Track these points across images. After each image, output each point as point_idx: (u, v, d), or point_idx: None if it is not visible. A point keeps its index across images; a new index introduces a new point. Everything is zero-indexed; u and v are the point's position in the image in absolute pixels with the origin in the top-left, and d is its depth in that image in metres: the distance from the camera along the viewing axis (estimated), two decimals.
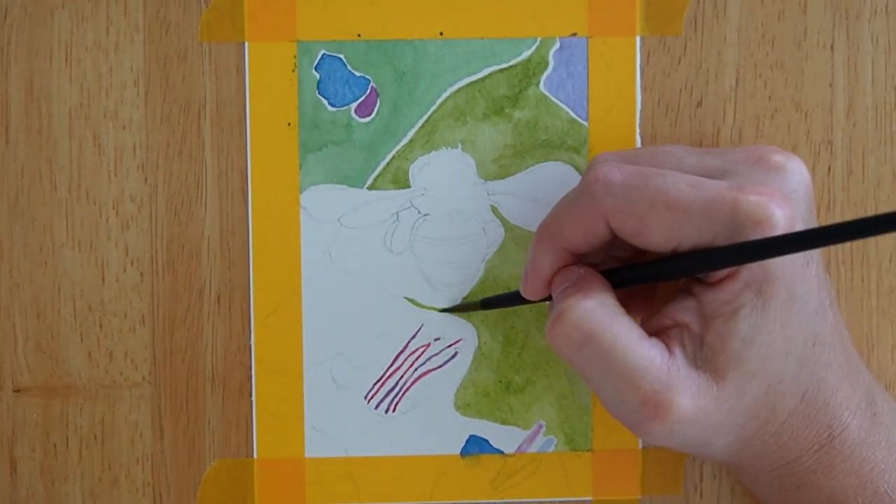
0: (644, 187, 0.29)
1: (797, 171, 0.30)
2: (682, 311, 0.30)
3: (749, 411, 0.30)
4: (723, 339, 0.29)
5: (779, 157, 0.30)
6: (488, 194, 0.35)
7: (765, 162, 0.30)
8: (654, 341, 0.29)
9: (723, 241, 0.28)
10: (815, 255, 0.30)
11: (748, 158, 0.30)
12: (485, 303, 0.34)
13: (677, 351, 0.29)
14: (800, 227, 0.28)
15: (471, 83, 0.35)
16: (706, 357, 0.29)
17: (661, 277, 0.30)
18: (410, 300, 0.36)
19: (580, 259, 0.31)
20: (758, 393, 0.29)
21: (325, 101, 0.35)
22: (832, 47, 0.36)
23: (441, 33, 0.35)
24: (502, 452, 0.36)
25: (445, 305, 0.36)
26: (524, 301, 0.32)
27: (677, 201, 0.28)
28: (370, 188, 0.35)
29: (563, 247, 0.30)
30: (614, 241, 0.30)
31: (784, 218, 0.28)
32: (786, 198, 0.28)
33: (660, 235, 0.29)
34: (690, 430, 0.29)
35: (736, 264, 0.28)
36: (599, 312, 0.29)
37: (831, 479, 0.30)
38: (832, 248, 0.36)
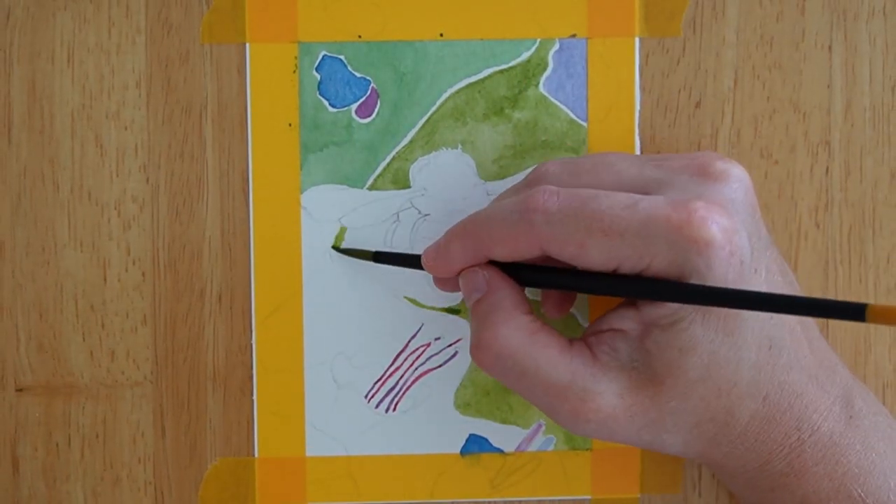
0: (581, 214, 0.29)
1: (737, 178, 0.29)
2: (621, 319, 0.30)
3: (700, 413, 0.30)
4: (660, 347, 0.29)
5: (719, 164, 0.30)
6: (488, 195, 0.36)
7: (703, 171, 0.30)
8: (577, 350, 0.30)
9: (663, 262, 0.28)
10: (766, 257, 0.30)
11: (687, 168, 0.30)
12: (376, 255, 0.34)
13: (604, 356, 0.30)
14: (739, 239, 0.28)
15: (471, 84, 0.35)
16: (643, 360, 0.30)
17: (584, 290, 0.31)
18: (411, 300, 0.36)
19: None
20: (707, 396, 0.29)
21: (325, 102, 0.35)
22: (830, 48, 0.36)
23: (441, 34, 0.35)
24: (502, 451, 0.36)
25: (446, 305, 0.36)
26: (417, 266, 0.33)
27: (613, 227, 0.28)
28: (371, 188, 0.36)
29: (484, 254, 0.31)
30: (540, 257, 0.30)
31: (721, 232, 0.28)
32: (724, 209, 0.28)
33: (598, 259, 0.29)
34: (629, 426, 0.30)
35: (669, 301, 0.28)
36: (516, 338, 0.30)
37: (804, 482, 0.30)
38: (830, 247, 0.36)
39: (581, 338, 0.31)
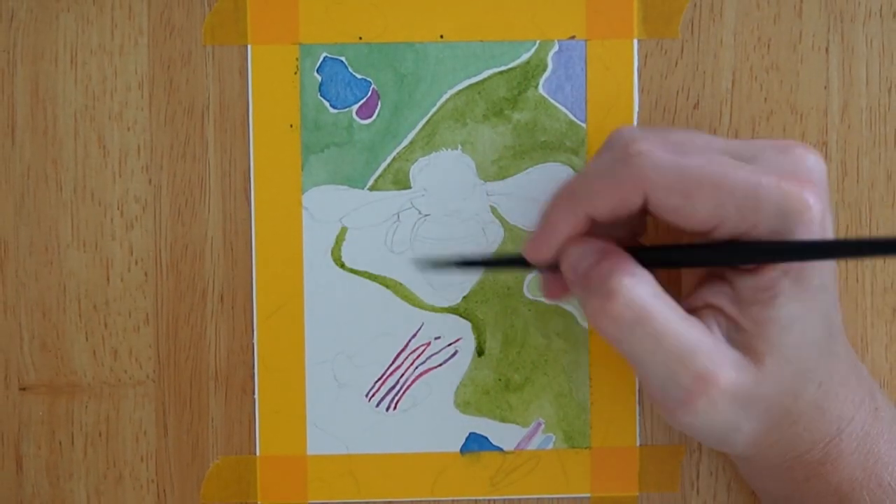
0: (691, 165, 0.28)
1: (818, 162, 0.30)
2: (715, 295, 0.30)
3: (776, 396, 0.30)
4: (761, 325, 0.29)
5: (800, 149, 0.30)
6: (488, 195, 0.36)
7: (789, 151, 0.30)
8: (695, 320, 0.30)
9: (763, 228, 0.28)
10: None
11: (773, 146, 0.30)
12: (461, 262, 0.34)
13: (715, 330, 0.30)
14: (829, 220, 0.29)
15: (470, 85, 0.36)
16: (743, 340, 0.29)
17: (695, 263, 0.31)
18: (411, 300, 0.36)
19: (592, 231, 0.31)
20: (786, 378, 0.29)
21: (326, 104, 0.36)
22: (827, 50, 0.36)
23: (441, 36, 0.36)
24: (502, 450, 0.36)
25: (446, 305, 0.36)
26: (506, 266, 0.32)
27: (724, 182, 0.28)
28: (371, 189, 0.36)
29: (586, 212, 0.30)
30: (636, 215, 0.30)
31: (819, 210, 0.28)
32: (818, 188, 0.29)
33: (702, 214, 0.28)
34: (729, 408, 0.29)
35: (775, 261, 0.29)
36: (648, 293, 0.29)
37: (839, 470, 0.31)
38: None
39: None
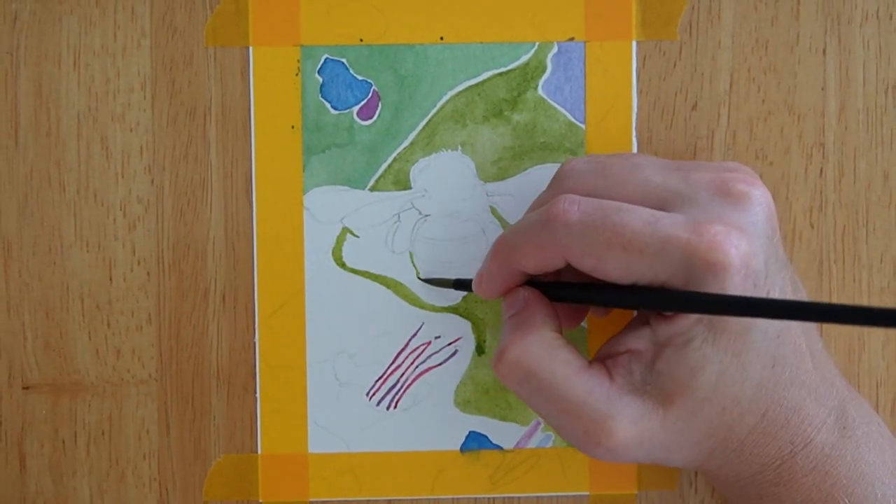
0: (601, 226, 0.29)
1: (759, 202, 0.30)
2: (636, 340, 0.31)
3: (703, 430, 0.30)
4: (671, 367, 0.29)
5: (741, 186, 0.30)
6: (487, 195, 0.36)
7: (726, 191, 0.30)
8: (595, 370, 0.30)
9: (678, 281, 0.28)
10: (781, 279, 0.30)
11: (711, 184, 0.30)
12: (457, 283, 0.35)
13: (620, 378, 0.30)
14: (756, 264, 0.28)
15: (470, 87, 0.36)
16: (655, 382, 0.30)
17: (608, 304, 0.31)
18: (411, 300, 0.36)
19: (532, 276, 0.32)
20: (711, 415, 0.30)
21: (327, 105, 0.36)
22: (824, 52, 0.36)
23: (441, 38, 0.36)
24: (501, 448, 0.36)
25: (446, 305, 0.36)
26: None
27: (632, 242, 0.29)
28: (372, 189, 0.36)
29: (517, 268, 0.31)
30: (569, 267, 0.31)
31: (739, 257, 0.28)
32: (742, 233, 0.28)
33: (616, 273, 0.29)
34: (637, 450, 0.30)
35: (682, 311, 0.29)
36: (538, 350, 0.30)
37: (793, 491, 0.31)
38: (824, 247, 0.36)
39: (597, 359, 0.31)
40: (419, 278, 0.36)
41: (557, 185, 0.32)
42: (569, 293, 0.32)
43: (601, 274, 0.30)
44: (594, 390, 0.30)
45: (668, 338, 0.30)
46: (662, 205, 0.30)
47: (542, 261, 0.31)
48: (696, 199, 0.30)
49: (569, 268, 0.31)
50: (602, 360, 0.31)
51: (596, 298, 0.31)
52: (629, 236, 0.29)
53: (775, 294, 0.30)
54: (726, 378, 0.29)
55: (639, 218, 0.29)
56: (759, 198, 0.30)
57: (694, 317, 0.29)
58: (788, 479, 0.31)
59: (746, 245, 0.28)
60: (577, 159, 0.33)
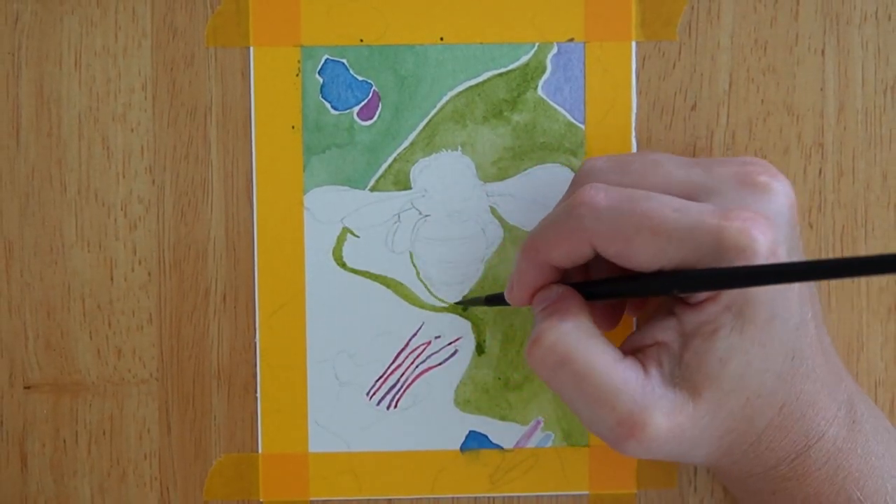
0: (629, 212, 0.29)
1: (782, 192, 0.30)
2: (663, 331, 0.30)
3: (726, 425, 0.30)
4: (700, 358, 0.29)
5: (764, 178, 0.30)
6: (487, 196, 0.36)
7: (750, 182, 0.30)
8: (630, 361, 0.30)
9: (705, 266, 0.28)
10: None
11: (734, 176, 0.30)
12: (488, 299, 0.35)
13: (653, 370, 0.30)
14: (781, 252, 0.29)
15: (470, 87, 0.36)
16: (683, 375, 0.30)
17: (640, 293, 0.31)
18: (411, 299, 0.36)
19: (564, 273, 0.32)
20: (735, 408, 0.30)
21: (328, 105, 0.36)
22: (823, 52, 0.36)
23: (441, 38, 0.36)
24: (501, 448, 0.37)
25: (446, 304, 0.36)
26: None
27: (661, 227, 0.28)
28: (372, 190, 0.36)
29: (547, 262, 0.31)
30: (598, 258, 0.31)
31: (766, 244, 0.28)
32: (769, 222, 0.29)
33: (644, 258, 0.29)
34: (666, 445, 0.30)
35: (714, 289, 0.29)
36: (574, 336, 0.30)
37: (806, 485, 0.31)
38: (823, 246, 0.37)
39: (625, 351, 0.31)
40: (454, 304, 0.36)
41: (579, 183, 0.32)
42: (599, 289, 0.31)
43: (628, 260, 0.29)
44: (630, 381, 0.29)
45: (696, 327, 0.29)
46: (687, 197, 0.30)
47: (570, 251, 0.30)
48: (721, 190, 0.30)
49: (597, 265, 0.31)
50: (632, 352, 0.31)
51: (625, 289, 0.31)
52: (658, 221, 0.29)
53: (795, 286, 0.30)
54: (751, 369, 0.29)
55: (667, 204, 0.29)
56: (782, 189, 0.30)
57: (721, 304, 0.29)
58: (802, 474, 0.31)
59: (773, 233, 0.28)
60: (596, 158, 0.32)
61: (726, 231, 0.28)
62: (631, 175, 0.31)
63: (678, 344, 0.30)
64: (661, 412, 0.29)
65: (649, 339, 0.31)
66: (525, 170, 0.36)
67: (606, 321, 0.34)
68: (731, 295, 0.29)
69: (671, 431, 0.29)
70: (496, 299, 0.35)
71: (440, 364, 0.36)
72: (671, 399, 0.29)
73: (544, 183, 0.36)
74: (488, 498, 0.37)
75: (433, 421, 0.36)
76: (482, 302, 0.35)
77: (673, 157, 0.32)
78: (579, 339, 0.30)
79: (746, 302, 0.29)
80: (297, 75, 0.36)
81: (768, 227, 0.28)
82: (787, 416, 0.30)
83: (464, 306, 0.36)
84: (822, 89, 0.36)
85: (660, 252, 0.29)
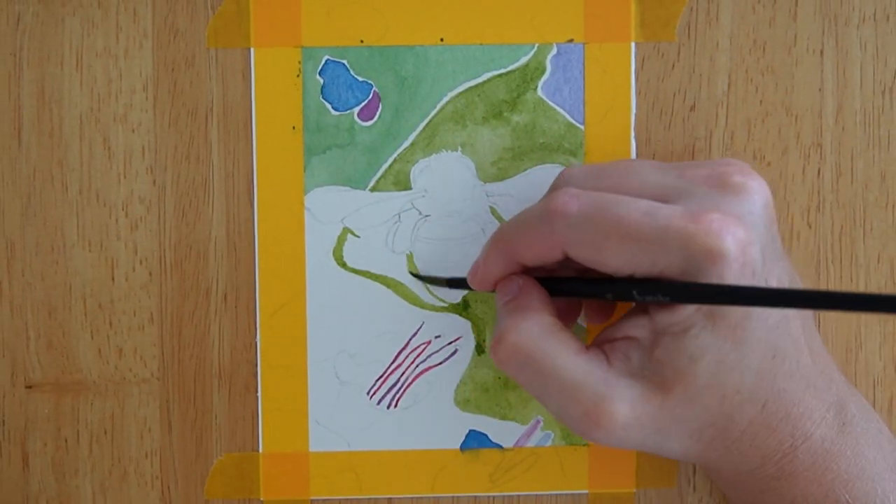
0: (599, 219, 0.29)
1: (756, 191, 0.30)
2: (634, 327, 0.31)
3: (703, 419, 0.30)
4: (670, 354, 0.30)
5: (737, 178, 0.30)
6: (487, 196, 0.36)
7: (722, 183, 0.30)
8: (593, 353, 0.31)
9: (675, 270, 0.28)
10: (779, 268, 0.30)
11: (708, 178, 0.30)
12: (450, 282, 0.35)
13: (618, 363, 0.30)
14: (753, 253, 0.28)
15: (470, 88, 0.36)
16: (654, 369, 0.30)
17: (600, 295, 0.31)
18: (411, 299, 0.36)
19: (528, 270, 0.32)
20: (711, 403, 0.30)
21: (328, 106, 0.36)
22: (821, 53, 0.36)
23: (441, 39, 0.36)
24: (501, 447, 0.37)
25: (446, 304, 0.36)
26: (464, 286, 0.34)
27: (630, 232, 0.29)
28: (372, 190, 0.36)
29: (515, 260, 0.32)
30: (565, 260, 0.31)
31: (736, 246, 0.28)
32: (740, 222, 0.29)
33: (615, 263, 0.29)
34: (635, 434, 0.30)
35: (674, 301, 0.29)
36: (536, 334, 0.30)
37: (793, 486, 0.31)
38: (822, 247, 0.37)
39: (594, 344, 0.32)
40: (411, 273, 0.36)
41: (555, 189, 0.32)
42: (564, 287, 0.32)
43: (600, 265, 0.30)
44: (592, 371, 0.30)
45: (667, 326, 0.30)
46: (661, 200, 0.30)
47: (540, 253, 0.31)
48: (693, 192, 0.30)
49: (564, 263, 0.31)
50: (599, 345, 0.31)
51: (591, 291, 0.31)
52: (627, 226, 0.29)
53: (773, 283, 0.30)
54: (725, 366, 0.29)
55: (637, 209, 0.29)
56: (756, 188, 0.30)
57: (692, 306, 0.29)
58: (789, 474, 0.31)
59: (744, 233, 0.28)
60: (573, 167, 0.33)
61: (694, 234, 0.28)
62: (606, 180, 0.31)
63: (649, 341, 0.30)
64: (625, 401, 0.30)
65: (620, 333, 0.31)
66: (525, 170, 0.36)
67: (564, 318, 0.34)
68: None
69: (638, 420, 0.30)
70: (458, 282, 0.35)
71: (440, 363, 0.37)
72: (637, 388, 0.30)
73: (544, 183, 0.36)
74: (488, 497, 0.37)
75: (433, 420, 0.37)
76: (443, 283, 0.35)
77: (650, 162, 0.32)
78: (541, 336, 0.30)
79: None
80: (298, 76, 0.36)
81: (739, 226, 0.28)
82: (771, 415, 0.30)
83: (424, 282, 0.36)
84: (820, 90, 0.36)
85: (630, 257, 0.29)
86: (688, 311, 0.29)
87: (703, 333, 0.29)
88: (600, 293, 0.31)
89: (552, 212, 0.30)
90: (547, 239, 0.30)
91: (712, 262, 0.28)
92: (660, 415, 0.30)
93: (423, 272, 0.36)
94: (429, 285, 0.36)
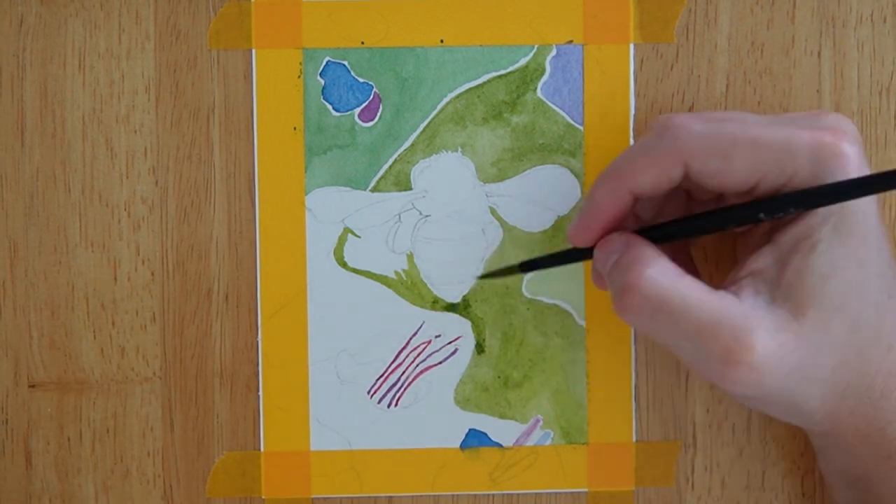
0: (725, 129, 0.30)
1: (851, 125, 0.31)
2: (757, 260, 0.31)
3: (837, 351, 0.30)
4: (801, 275, 0.29)
5: (833, 115, 0.31)
6: (487, 196, 0.36)
7: (823, 115, 0.31)
8: (722, 293, 0.30)
9: (803, 177, 0.29)
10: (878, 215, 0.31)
11: (807, 113, 0.31)
12: (523, 266, 0.34)
13: (749, 298, 0.30)
14: (865, 167, 0.29)
15: (470, 89, 0.36)
16: (785, 295, 0.30)
17: (723, 228, 0.31)
18: (412, 299, 0.37)
19: (634, 214, 0.32)
20: (842, 330, 0.29)
21: (329, 107, 0.36)
22: (819, 54, 0.37)
23: (441, 41, 0.36)
24: (501, 446, 0.37)
25: (446, 304, 0.37)
26: (560, 262, 0.33)
27: (759, 137, 0.29)
28: (373, 190, 0.36)
29: (628, 189, 0.31)
30: (676, 189, 0.31)
31: (855, 157, 0.29)
32: (852, 139, 0.30)
33: (742, 174, 0.30)
34: (777, 372, 0.29)
35: (813, 206, 0.29)
36: (664, 278, 0.30)
37: None
38: None
39: (720, 288, 0.31)
40: (478, 278, 0.36)
41: (655, 126, 0.32)
42: (674, 229, 0.31)
43: (724, 177, 0.30)
44: (728, 308, 0.29)
45: (794, 244, 0.30)
46: None
47: (659, 173, 0.30)
48: (799, 119, 0.31)
49: (671, 198, 0.32)
50: (726, 287, 0.31)
51: (711, 224, 0.31)
52: (756, 133, 0.30)
53: (882, 220, 0.31)
54: (854, 287, 0.29)
55: (760, 122, 0.30)
56: (851, 123, 0.31)
57: (819, 216, 0.29)
58: None
59: (858, 148, 0.30)
60: (665, 114, 0.33)
61: (820, 141, 0.29)
62: (709, 115, 0.32)
63: (776, 269, 0.30)
64: (766, 331, 0.29)
65: (744, 271, 0.31)
66: (524, 171, 0.36)
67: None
68: (828, 208, 0.29)
69: (780, 350, 0.29)
70: (531, 265, 0.34)
71: (440, 363, 0.37)
72: (774, 317, 0.29)
73: (543, 184, 0.36)
74: (488, 495, 0.37)
75: (433, 419, 0.37)
76: (516, 270, 0.35)
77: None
78: (669, 280, 0.30)
79: (844, 214, 0.29)
80: (299, 77, 0.36)
81: (853, 143, 0.29)
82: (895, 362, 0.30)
83: (492, 278, 0.36)
84: (818, 91, 0.37)
85: (758, 164, 0.29)
86: (815, 222, 0.30)
87: (831, 249, 0.29)
88: (722, 224, 0.31)
89: (675, 125, 0.30)
90: (668, 154, 0.30)
91: (839, 167, 0.29)
92: (798, 344, 0.29)
93: (423, 272, 0.36)
94: (498, 278, 0.36)
